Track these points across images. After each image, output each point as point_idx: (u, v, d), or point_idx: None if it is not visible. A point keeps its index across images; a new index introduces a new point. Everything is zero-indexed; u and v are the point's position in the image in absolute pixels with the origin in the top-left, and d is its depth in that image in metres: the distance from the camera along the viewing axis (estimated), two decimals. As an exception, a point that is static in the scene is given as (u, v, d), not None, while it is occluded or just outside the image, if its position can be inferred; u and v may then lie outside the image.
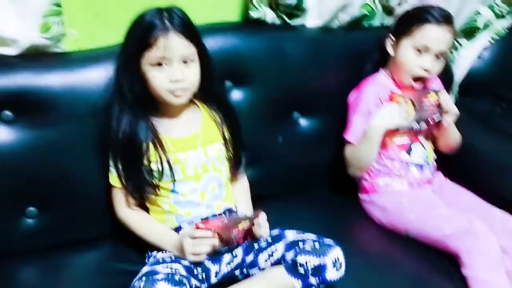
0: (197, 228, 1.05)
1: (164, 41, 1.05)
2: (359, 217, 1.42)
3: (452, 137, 1.40)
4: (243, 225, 1.10)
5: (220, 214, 1.16)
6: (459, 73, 1.73)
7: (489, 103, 1.76)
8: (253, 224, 1.11)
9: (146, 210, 1.18)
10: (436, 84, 1.41)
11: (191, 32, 1.09)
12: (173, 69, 1.07)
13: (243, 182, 1.28)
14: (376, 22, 1.52)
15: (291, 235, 1.14)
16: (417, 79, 1.33)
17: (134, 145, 1.10)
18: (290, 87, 1.40)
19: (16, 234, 1.17)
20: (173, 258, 1.08)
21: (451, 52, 1.71)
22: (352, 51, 1.46)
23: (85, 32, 1.21)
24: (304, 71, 1.40)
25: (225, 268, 1.14)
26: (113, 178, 1.14)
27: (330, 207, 1.45)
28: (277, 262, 1.10)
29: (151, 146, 1.11)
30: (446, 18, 1.29)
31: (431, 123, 1.34)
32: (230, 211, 1.19)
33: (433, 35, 1.28)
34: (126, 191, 1.14)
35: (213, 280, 1.13)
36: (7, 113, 1.11)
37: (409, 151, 1.38)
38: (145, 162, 1.11)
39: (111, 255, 1.22)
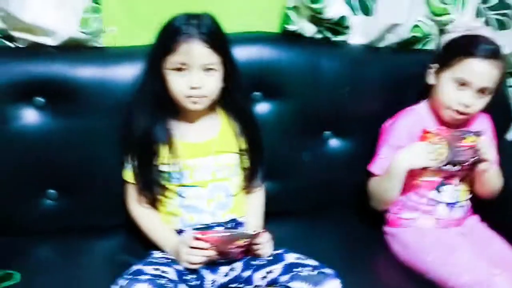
0: (196, 238, 1.05)
1: (186, 47, 1.06)
2: (379, 250, 1.34)
3: (489, 183, 1.29)
4: (242, 242, 1.09)
5: (222, 225, 1.15)
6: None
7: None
8: (253, 242, 1.10)
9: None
10: (481, 125, 1.31)
11: (217, 41, 1.09)
12: (192, 75, 1.08)
13: (258, 196, 1.26)
14: (431, 45, 1.44)
15: (291, 257, 1.11)
16: (459, 116, 1.23)
17: (148, 145, 1.13)
18: (323, 105, 1.36)
19: (36, 214, 1.24)
20: (169, 261, 1.09)
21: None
22: (396, 75, 1.38)
23: (124, 30, 1.25)
24: (340, 90, 1.35)
25: (221, 279, 1.13)
26: (127, 174, 1.18)
27: (351, 234, 1.38)
28: (273, 283, 1.09)
29: (164, 148, 1.13)
30: (492, 52, 1.19)
31: (465, 167, 1.24)
32: (236, 222, 1.18)
33: (475, 70, 1.18)
34: (137, 188, 1.17)
35: (209, 288, 1.13)
36: (40, 99, 1.18)
37: (438, 188, 1.29)
38: (157, 162, 1.14)
39: (125, 246, 1.25)
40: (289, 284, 1.04)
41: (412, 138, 1.26)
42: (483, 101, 1.22)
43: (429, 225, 1.30)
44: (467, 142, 1.21)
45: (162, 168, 1.14)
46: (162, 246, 1.13)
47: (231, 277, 1.13)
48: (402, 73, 1.38)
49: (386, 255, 1.33)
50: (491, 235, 1.30)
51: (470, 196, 1.34)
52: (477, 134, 1.21)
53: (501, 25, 1.44)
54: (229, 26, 1.25)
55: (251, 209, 1.23)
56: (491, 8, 1.42)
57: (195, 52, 1.06)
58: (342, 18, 1.33)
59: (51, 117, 1.19)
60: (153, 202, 1.17)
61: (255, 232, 1.09)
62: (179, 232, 1.15)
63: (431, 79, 1.27)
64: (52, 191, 1.23)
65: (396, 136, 1.28)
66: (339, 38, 1.38)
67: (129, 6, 1.26)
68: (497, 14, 1.43)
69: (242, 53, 1.28)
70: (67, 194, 1.25)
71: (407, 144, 1.25)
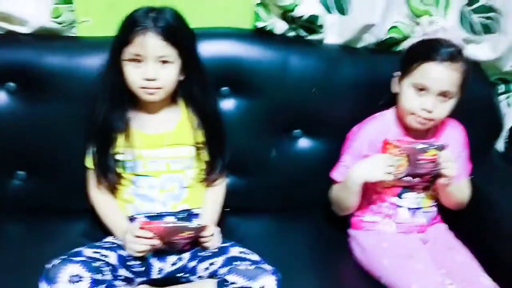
0: (141, 227, 1.08)
1: (141, 39, 1.09)
2: (341, 252, 1.33)
3: (452, 196, 1.26)
4: (186, 234, 1.11)
5: (174, 215, 1.17)
6: (511, 119, 1.53)
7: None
8: (199, 235, 1.12)
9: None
10: (451, 134, 1.27)
11: (174, 34, 1.11)
12: (147, 67, 1.10)
13: (217, 189, 1.27)
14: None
15: (235, 251, 1.13)
16: (423, 122, 1.20)
17: (106, 133, 1.17)
18: (293, 104, 1.35)
19: (5, 194, 1.30)
20: (115, 246, 1.12)
21: (507, 96, 1.53)
22: (371, 77, 1.35)
23: (99, 21, 1.29)
24: (310, 89, 1.34)
25: (169, 268, 1.15)
26: (88, 160, 1.22)
27: (315, 235, 1.38)
28: (214, 274, 1.10)
29: (120, 137, 1.17)
30: (450, 55, 1.15)
31: (425, 179, 1.21)
32: (189, 213, 1.20)
33: (432, 74, 1.15)
34: (95, 174, 1.21)
35: (155, 276, 1.15)
36: (11, 84, 1.24)
37: (400, 195, 1.26)
38: (113, 151, 1.17)
39: (88, 230, 1.29)
40: (226, 277, 1.05)
41: (374, 147, 1.23)
42: (446, 106, 1.18)
43: (390, 229, 1.27)
44: (428, 155, 1.17)
45: (118, 156, 1.17)
46: (113, 231, 1.17)
47: (178, 266, 1.15)
48: (378, 76, 1.34)
49: (347, 258, 1.31)
50: (454, 245, 1.26)
51: (435, 203, 1.30)
52: (439, 148, 1.17)
53: (486, 29, 1.39)
54: (202, 21, 1.29)
55: (207, 202, 1.24)
56: (476, 11, 1.37)
57: (149, 44, 1.09)
58: (314, 16, 1.31)
59: (22, 102, 1.25)
60: (111, 189, 1.21)
61: (199, 226, 1.11)
62: (132, 219, 1.18)
63: (395, 87, 1.24)
64: (21, 172, 1.30)
65: (358, 143, 1.27)
66: (314, 37, 1.37)
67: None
68: (481, 17, 1.37)
69: (211, 48, 1.30)
70: (36, 176, 1.31)
71: (368, 153, 1.23)
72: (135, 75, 1.12)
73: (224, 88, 1.33)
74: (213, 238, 1.14)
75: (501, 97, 1.53)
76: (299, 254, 1.30)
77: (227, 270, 1.06)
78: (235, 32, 1.35)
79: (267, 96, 1.34)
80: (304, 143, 1.40)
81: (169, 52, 1.11)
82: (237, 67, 1.32)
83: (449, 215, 1.36)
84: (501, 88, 1.53)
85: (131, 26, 1.10)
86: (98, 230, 1.26)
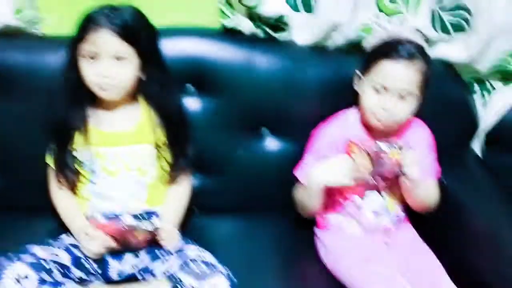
0: (96, 227, 1.07)
1: (94, 36, 1.08)
2: (308, 251, 1.32)
3: (417, 197, 1.23)
4: (142, 235, 1.10)
5: (133, 214, 1.16)
6: (488, 120, 1.50)
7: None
8: (155, 235, 1.11)
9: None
10: (416, 135, 1.25)
11: (131, 31, 1.10)
12: (101, 64, 1.10)
13: (179, 189, 1.26)
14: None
15: (191, 252, 1.12)
16: (384, 122, 1.18)
17: (64, 130, 1.16)
18: (259, 103, 1.33)
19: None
20: (70, 245, 1.11)
21: (482, 96, 1.50)
22: (340, 77, 1.32)
23: (63, 18, 1.28)
24: (277, 88, 1.33)
25: (128, 268, 1.15)
26: (48, 157, 1.21)
27: (282, 234, 1.36)
28: (170, 275, 1.09)
29: (79, 134, 1.16)
30: (409, 54, 1.12)
31: (389, 180, 1.19)
32: (148, 212, 1.18)
33: (391, 72, 1.13)
34: (55, 171, 1.20)
35: (114, 276, 1.15)
36: (-25, 80, 1.24)
37: (364, 196, 1.24)
38: (71, 148, 1.16)
39: (53, 228, 1.26)
40: (179, 277, 1.04)
41: (336, 147, 1.21)
42: (407, 106, 1.16)
43: (354, 231, 1.26)
44: (391, 155, 1.14)
45: (76, 154, 1.17)
46: (71, 230, 1.16)
47: (137, 267, 1.15)
48: (346, 75, 1.31)
49: (314, 258, 1.30)
50: (420, 249, 1.24)
51: (401, 205, 1.28)
52: (403, 148, 1.15)
53: (457, 28, 1.36)
54: (167, 19, 1.28)
55: (169, 201, 1.23)
56: (446, 10, 1.34)
57: (103, 41, 1.08)
58: (280, 15, 1.30)
59: (-16, 99, 1.25)
60: (70, 186, 1.20)
61: (154, 227, 1.10)
62: (90, 217, 1.16)
63: (357, 86, 1.22)
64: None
65: (320, 143, 1.25)
66: (282, 36, 1.36)
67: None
68: (452, 16, 1.35)
69: (177, 46, 1.30)
70: (1, 173, 1.30)
71: (331, 153, 1.21)
72: (90, 72, 1.11)
73: (189, 87, 1.32)
74: (170, 239, 1.13)
75: (477, 97, 1.51)
76: (265, 254, 1.29)
77: (180, 270, 1.06)
78: (201, 31, 1.34)
79: (233, 95, 1.33)
80: (271, 142, 1.39)
81: (125, 49, 1.10)
82: (202, 66, 1.30)
83: (417, 218, 1.34)
84: (476, 88, 1.50)
85: (86, 23, 1.10)
86: (62, 229, 1.26)
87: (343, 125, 1.24)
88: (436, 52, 1.40)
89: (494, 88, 1.49)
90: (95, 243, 1.08)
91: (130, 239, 1.09)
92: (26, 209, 1.31)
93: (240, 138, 1.37)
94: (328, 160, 1.17)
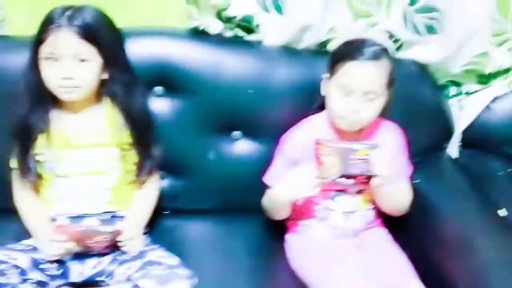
0: (57, 229, 1.06)
1: (54, 37, 1.07)
2: (278, 256, 1.29)
3: (388, 199, 1.21)
4: (102, 238, 1.08)
5: (96, 217, 1.15)
6: (463, 122, 1.49)
7: (494, 163, 1.50)
8: (116, 238, 1.10)
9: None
10: (386, 135, 1.24)
11: (92, 32, 1.09)
12: (62, 65, 1.08)
13: (146, 191, 1.24)
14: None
15: (153, 255, 1.10)
16: (352, 123, 1.16)
17: (27, 133, 1.15)
18: (230, 105, 1.32)
19: None
20: (29, 248, 1.10)
21: (459, 99, 1.49)
22: (311, 79, 1.29)
23: (30, 18, 1.27)
24: (247, 90, 1.31)
25: (90, 271, 1.14)
26: (12, 160, 1.20)
27: (253, 237, 1.34)
28: (130, 279, 1.08)
29: (41, 137, 1.15)
30: (372, 54, 1.11)
31: (359, 180, 1.16)
32: (112, 215, 1.17)
33: (355, 73, 1.11)
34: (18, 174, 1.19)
35: (75, 279, 1.13)
36: None
37: (333, 198, 1.23)
38: (34, 151, 1.15)
39: (18, 231, 1.23)
40: (138, 282, 1.03)
41: (306, 151, 1.19)
42: (374, 106, 1.14)
43: (323, 234, 1.24)
44: (360, 154, 1.13)
45: (39, 156, 1.15)
46: (32, 232, 1.15)
47: (98, 270, 1.14)
48: (317, 77, 1.29)
49: (283, 262, 1.28)
50: (390, 251, 1.22)
51: (372, 206, 1.26)
52: (371, 147, 1.13)
53: (430, 29, 1.35)
54: (136, 20, 1.27)
55: (134, 204, 1.22)
56: (418, 11, 1.33)
57: (63, 42, 1.07)
58: (249, 16, 1.29)
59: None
60: (34, 189, 1.18)
61: (114, 230, 1.09)
62: (54, 220, 1.16)
63: (323, 89, 1.21)
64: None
65: (289, 147, 1.24)
66: (253, 37, 1.35)
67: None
68: (424, 17, 1.33)
69: (145, 48, 1.28)
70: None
71: (298, 157, 1.20)
72: (51, 74, 1.10)
73: (159, 89, 1.31)
74: (131, 242, 1.11)
75: (454, 100, 1.49)
76: (236, 257, 1.27)
77: (140, 275, 1.04)
78: (170, 32, 1.32)
79: (203, 96, 1.31)
80: (243, 145, 1.37)
81: (85, 50, 1.09)
82: (171, 67, 1.29)
83: (390, 219, 1.32)
84: (453, 90, 1.49)
85: (47, 24, 1.09)
86: (26, 232, 1.24)
87: (311, 128, 1.23)
88: (410, 53, 1.39)
89: (470, 91, 1.48)
90: (54, 245, 1.06)
91: (89, 241, 1.08)
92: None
93: (212, 140, 1.35)
94: (291, 174, 1.15)
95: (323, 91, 1.21)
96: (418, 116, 1.40)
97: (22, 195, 1.19)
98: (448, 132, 1.48)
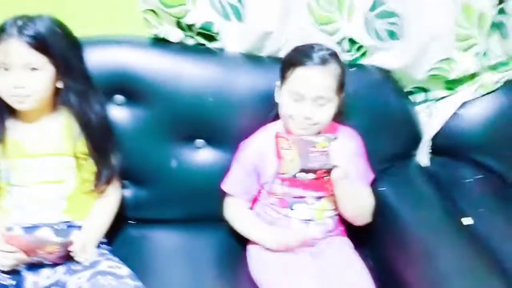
0: (7, 239, 1.06)
1: (4, 46, 1.08)
2: (241, 264, 1.28)
3: (348, 200, 1.20)
4: (53, 248, 1.08)
5: (50, 226, 1.14)
6: (431, 129, 1.47)
7: (463, 170, 1.48)
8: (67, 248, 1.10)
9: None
10: (341, 132, 1.23)
11: (42, 41, 1.09)
12: (13, 75, 1.09)
13: (104, 200, 1.23)
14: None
15: (104, 265, 1.10)
16: (307, 129, 1.16)
17: (-19, 142, 1.15)
18: (192, 113, 1.31)
19: None
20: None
21: (427, 105, 1.47)
22: (271, 86, 1.26)
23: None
24: (208, 98, 1.31)
25: (44, 281, 1.13)
26: (-30, 169, 1.20)
27: (217, 248, 1.32)
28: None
29: (-4, 146, 1.15)
30: (322, 59, 1.11)
31: (319, 175, 1.16)
32: (68, 225, 1.17)
33: (304, 78, 1.11)
34: (-25, 184, 1.19)
35: (29, 289, 1.12)
36: None
37: (291, 206, 1.22)
38: (-11, 160, 1.15)
39: None
40: (86, 290, 1.02)
41: (263, 157, 1.20)
42: (326, 110, 1.14)
43: (280, 242, 1.23)
44: (319, 147, 1.12)
45: (-6, 165, 1.16)
46: (-13, 242, 1.15)
47: (53, 280, 1.13)
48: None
49: (244, 273, 1.26)
50: (349, 260, 1.21)
51: (331, 214, 1.25)
52: (330, 139, 1.12)
53: (391, 35, 1.34)
54: (96, 29, 1.27)
55: (92, 213, 1.21)
56: (379, 17, 1.32)
57: (13, 52, 1.07)
58: (208, 23, 1.29)
59: None
60: None
61: (64, 240, 1.09)
62: (10, 229, 1.15)
63: (276, 96, 1.21)
64: None
65: (246, 154, 1.24)
66: (214, 45, 1.35)
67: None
68: (385, 23, 1.33)
69: (104, 56, 1.29)
70: None
71: (257, 162, 1.20)
72: (3, 83, 1.10)
73: (119, 97, 1.30)
74: (82, 252, 1.11)
75: (421, 107, 1.48)
76: (199, 268, 1.26)
77: (89, 285, 1.04)
78: (130, 40, 1.33)
79: (165, 105, 1.31)
80: (206, 153, 1.36)
81: (36, 59, 1.09)
82: (132, 76, 1.28)
83: (353, 228, 1.30)
84: (420, 97, 1.48)
85: (1, 31, 1.09)
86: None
87: (267, 135, 1.22)
88: (373, 60, 1.38)
89: (438, 97, 1.47)
90: (5, 256, 1.06)
91: (39, 252, 1.07)
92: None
93: (174, 148, 1.35)
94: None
95: (277, 98, 1.20)
96: (384, 123, 1.39)
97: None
98: (416, 139, 1.47)
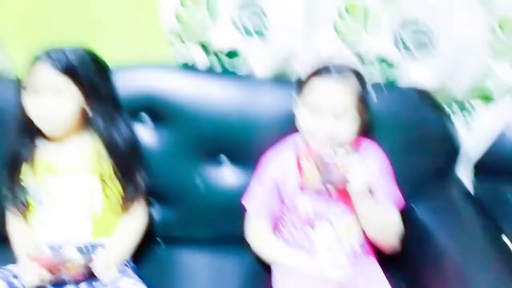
0: (32, 258, 1.09)
1: (35, 69, 1.14)
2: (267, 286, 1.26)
3: (371, 219, 1.14)
4: (75, 267, 1.10)
5: (78, 245, 1.16)
6: (474, 147, 1.39)
7: (507, 188, 1.38)
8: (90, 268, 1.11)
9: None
10: (364, 147, 1.19)
11: (69, 65, 1.15)
12: (40, 98, 1.14)
13: (130, 220, 1.25)
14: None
15: (124, 283, 1.10)
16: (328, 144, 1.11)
17: (13, 161, 1.20)
18: (216, 133, 1.32)
19: None
20: (13, 275, 1.13)
21: (464, 116, 1.39)
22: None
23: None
24: (233, 118, 1.31)
25: (66, 298, 1.15)
26: (3, 188, 1.24)
27: (244, 267, 1.30)
28: (102, 306, 1.08)
29: (26, 165, 1.20)
30: (339, 70, 1.09)
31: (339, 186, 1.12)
32: (92, 244, 1.19)
33: (321, 90, 1.09)
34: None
35: (51, 306, 1.15)
36: None
37: (312, 225, 1.18)
38: (20, 178, 1.20)
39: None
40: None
41: (284, 169, 1.18)
42: (345, 126, 1.11)
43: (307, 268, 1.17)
44: (338, 161, 1.09)
45: (25, 184, 1.20)
46: (18, 258, 1.18)
47: (75, 298, 1.14)
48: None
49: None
50: (377, 285, 1.14)
51: (357, 232, 1.20)
52: (348, 151, 1.08)
53: (422, 51, 1.28)
54: (125, 56, 1.32)
55: (117, 233, 1.23)
56: (409, 33, 1.27)
57: (40, 74, 1.13)
58: (234, 50, 1.30)
59: None
60: (23, 216, 1.22)
61: (86, 258, 1.10)
62: (35, 248, 1.18)
63: (295, 110, 1.19)
64: None
65: (268, 168, 1.22)
66: (239, 65, 1.35)
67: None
68: (415, 39, 1.27)
69: (132, 82, 1.32)
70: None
71: (280, 175, 1.18)
72: (33, 106, 1.15)
73: (146, 118, 1.33)
74: (105, 271, 1.12)
75: (457, 119, 1.40)
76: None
77: (109, 303, 1.04)
78: (158, 66, 1.35)
79: (190, 126, 1.32)
80: (231, 173, 1.35)
81: (63, 83, 1.14)
82: (159, 99, 1.31)
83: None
84: (456, 109, 1.40)
85: (34, 60, 1.15)
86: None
87: (288, 148, 1.20)
88: (406, 79, 1.33)
89: (474, 108, 1.38)
90: (29, 274, 1.09)
91: (62, 271, 1.09)
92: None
93: (200, 167, 1.35)
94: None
95: (295, 112, 1.19)
96: (422, 141, 1.34)
97: (11, 221, 1.23)
98: (454, 155, 1.39)
